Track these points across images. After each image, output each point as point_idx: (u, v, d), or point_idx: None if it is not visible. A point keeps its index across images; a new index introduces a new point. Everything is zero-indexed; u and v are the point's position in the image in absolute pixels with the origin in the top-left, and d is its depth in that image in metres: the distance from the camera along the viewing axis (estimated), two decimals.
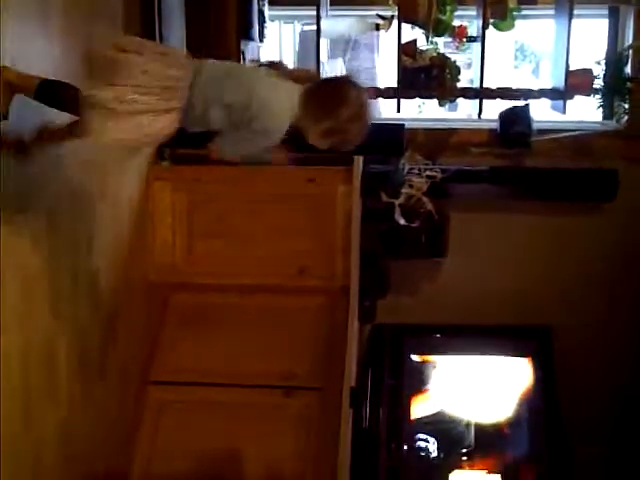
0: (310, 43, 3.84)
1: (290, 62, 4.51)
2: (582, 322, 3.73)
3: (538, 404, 3.58)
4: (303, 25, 4.49)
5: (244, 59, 3.62)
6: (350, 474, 2.90)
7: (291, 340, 3.27)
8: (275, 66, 2.28)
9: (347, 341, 3.10)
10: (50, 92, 2.23)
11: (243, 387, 3.16)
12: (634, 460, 3.63)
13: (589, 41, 4.14)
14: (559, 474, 3.39)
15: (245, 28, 3.59)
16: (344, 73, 4.48)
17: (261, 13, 3.67)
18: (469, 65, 5.01)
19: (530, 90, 3.53)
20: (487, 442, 3.57)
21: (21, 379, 2.33)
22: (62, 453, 2.57)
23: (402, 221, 3.43)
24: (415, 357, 3.69)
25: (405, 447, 3.48)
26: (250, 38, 3.61)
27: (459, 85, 3.62)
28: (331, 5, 3.79)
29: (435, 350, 3.76)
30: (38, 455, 2.43)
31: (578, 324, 3.72)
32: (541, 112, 3.73)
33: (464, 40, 3.63)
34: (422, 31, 3.55)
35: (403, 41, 3.46)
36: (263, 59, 2.92)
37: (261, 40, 3.68)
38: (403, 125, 3.59)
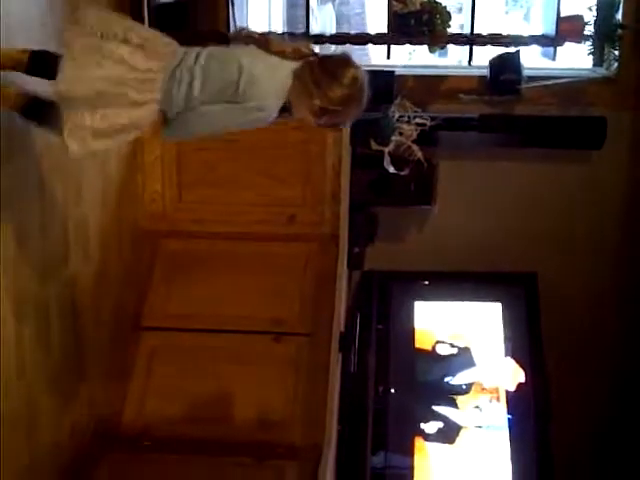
0: None
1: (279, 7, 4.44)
2: (567, 268, 3.79)
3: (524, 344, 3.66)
4: None
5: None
6: (338, 417, 2.97)
7: (280, 286, 3.30)
8: (264, 40, 2.15)
9: (336, 287, 3.13)
10: (43, 63, 2.13)
11: (233, 332, 3.20)
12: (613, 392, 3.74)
13: None
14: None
15: None
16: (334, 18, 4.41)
17: None
18: (460, 10, 4.95)
19: (520, 36, 3.50)
20: None
21: (14, 327, 2.35)
22: (55, 399, 2.61)
23: (391, 169, 3.44)
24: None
25: (392, 390, 3.56)
26: None
27: (450, 31, 3.59)
28: None
29: (422, 296, 3.81)
30: (32, 400, 2.47)
31: (563, 270, 3.78)
32: (531, 59, 3.72)
33: None
34: None
35: None
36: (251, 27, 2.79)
37: None
38: (393, 72, 3.57)
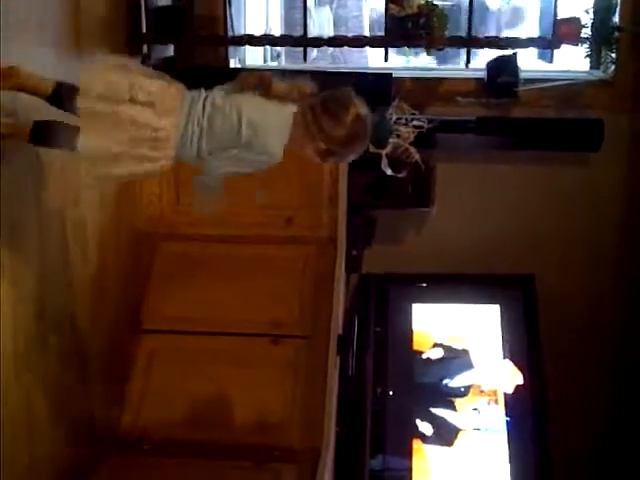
0: None
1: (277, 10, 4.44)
2: (565, 270, 3.79)
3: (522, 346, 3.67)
4: None
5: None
6: (337, 420, 2.97)
7: (278, 289, 3.30)
8: (265, 82, 2.17)
9: (334, 290, 3.14)
10: (46, 133, 2.24)
11: (232, 335, 3.20)
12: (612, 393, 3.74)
13: None
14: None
15: None
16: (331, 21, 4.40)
17: None
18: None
19: (518, 39, 3.51)
20: None
21: (11, 332, 2.35)
22: (53, 402, 2.61)
23: (389, 171, 3.44)
24: None
25: (391, 392, 3.56)
26: None
27: (447, 33, 3.59)
28: None
29: (420, 299, 3.81)
30: (30, 403, 2.47)
31: (561, 272, 3.78)
32: (528, 61, 3.72)
33: None
34: None
35: None
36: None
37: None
38: (391, 74, 3.57)
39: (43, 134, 2.26)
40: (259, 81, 2.17)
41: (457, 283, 3.80)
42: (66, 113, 2.20)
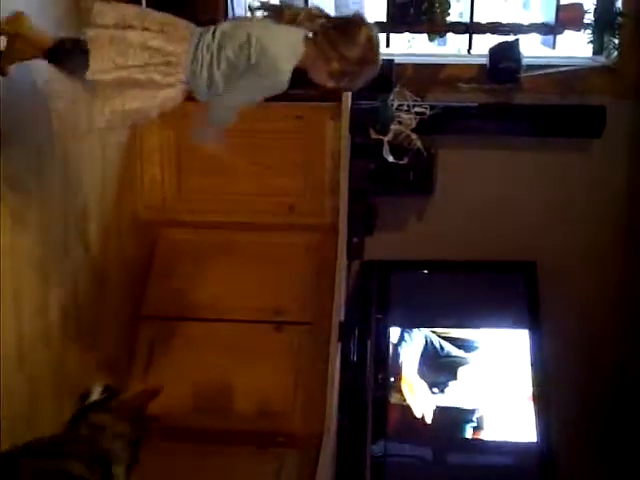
0: None
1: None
2: (566, 257, 3.79)
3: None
4: None
5: None
6: (338, 406, 2.99)
7: (281, 276, 3.32)
8: (276, 11, 2.21)
9: (335, 277, 3.14)
10: (65, 53, 2.20)
11: (234, 322, 3.21)
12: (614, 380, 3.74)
13: None
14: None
15: None
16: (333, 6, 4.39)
17: None
18: None
19: (520, 25, 3.50)
20: None
21: (14, 320, 2.36)
22: (56, 390, 2.62)
23: (390, 158, 3.44)
24: None
25: (392, 379, 3.57)
26: None
27: (449, 19, 3.58)
28: None
29: (421, 287, 3.81)
30: (33, 392, 2.48)
31: (562, 259, 3.78)
32: (531, 47, 3.71)
33: None
34: None
35: None
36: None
37: None
38: (392, 61, 3.55)
39: (60, 53, 2.22)
40: (272, 11, 2.20)
41: (458, 270, 3.80)
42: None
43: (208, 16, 3.47)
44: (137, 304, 3.27)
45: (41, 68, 2.44)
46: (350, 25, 2.16)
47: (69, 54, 2.18)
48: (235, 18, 2.28)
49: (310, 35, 2.16)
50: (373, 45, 2.15)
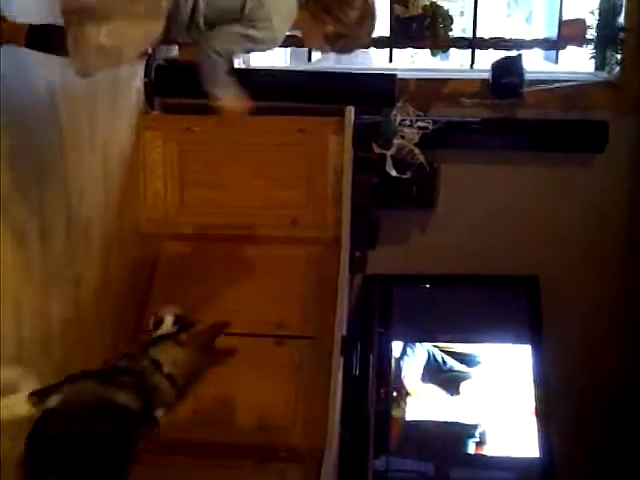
0: None
1: None
2: (569, 271, 3.78)
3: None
4: None
5: None
6: (341, 421, 2.97)
7: (283, 290, 3.31)
8: None
9: (338, 291, 3.14)
10: (41, 36, 2.12)
11: (236, 336, 3.19)
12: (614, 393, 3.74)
13: None
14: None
15: None
16: None
17: None
18: (462, 13, 4.96)
19: (523, 40, 3.51)
20: None
21: (15, 330, 2.35)
22: None
23: (393, 172, 3.45)
24: None
25: (394, 394, 3.56)
26: None
27: (452, 34, 3.59)
28: None
29: (423, 301, 3.80)
30: None
31: (564, 274, 3.78)
32: (534, 62, 3.72)
33: None
34: None
35: None
36: None
37: None
38: (395, 75, 3.56)
39: (38, 37, 2.12)
40: None
41: (461, 284, 3.79)
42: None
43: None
44: (139, 316, 3.26)
45: (43, 79, 2.45)
46: None
47: (45, 34, 2.08)
48: None
49: None
50: (369, 6, 2.11)
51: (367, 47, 3.30)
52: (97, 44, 1.93)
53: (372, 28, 2.16)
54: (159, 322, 2.11)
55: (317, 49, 2.22)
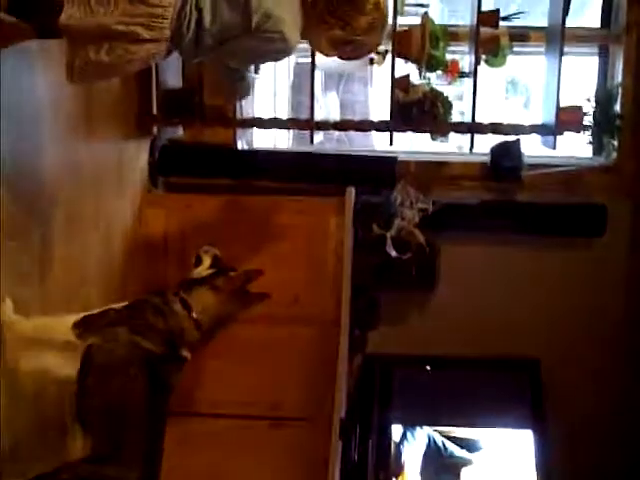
0: (305, 76, 3.89)
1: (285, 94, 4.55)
2: (569, 354, 3.75)
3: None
4: (298, 57, 4.54)
5: None
6: None
7: (281, 370, 3.27)
8: None
9: (337, 371, 3.10)
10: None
11: (230, 418, 3.15)
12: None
13: (579, 78, 4.20)
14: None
15: None
16: (338, 105, 4.50)
17: None
18: (460, 97, 5.06)
19: (521, 126, 3.57)
20: None
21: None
22: None
23: (393, 253, 3.46)
24: None
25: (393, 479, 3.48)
26: None
27: (451, 118, 3.66)
28: None
29: (423, 385, 3.75)
30: None
31: (565, 357, 3.74)
32: (531, 146, 3.78)
33: (456, 75, 3.68)
34: (415, 66, 3.60)
35: (396, 75, 3.51)
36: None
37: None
38: (396, 158, 3.63)
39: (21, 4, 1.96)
40: None
41: (461, 367, 3.75)
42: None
43: (217, 115, 3.58)
44: None
45: (50, 154, 2.49)
46: None
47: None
48: None
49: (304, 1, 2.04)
50: (381, 13, 2.04)
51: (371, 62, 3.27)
52: (97, 60, 1.92)
53: (382, 37, 2.09)
54: (198, 261, 2.29)
55: (323, 54, 2.12)
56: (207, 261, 2.32)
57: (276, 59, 2.16)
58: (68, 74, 1.96)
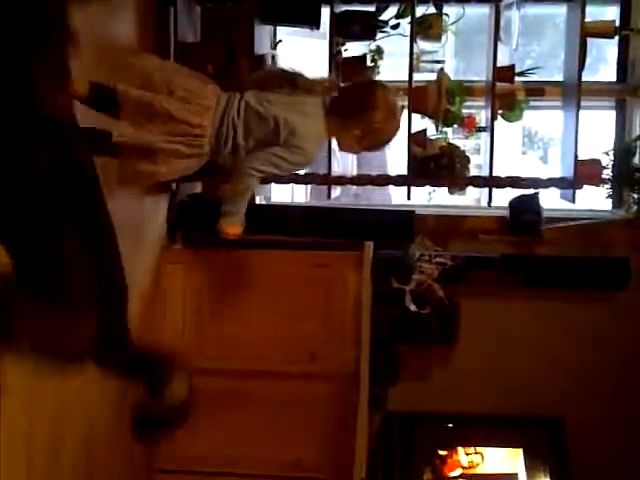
0: None
1: None
2: (594, 412, 3.66)
3: None
4: None
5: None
6: None
7: (299, 428, 3.22)
8: (297, 80, 2.33)
9: (357, 429, 3.04)
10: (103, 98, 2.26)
11: (248, 477, 3.09)
12: None
13: (596, 131, 4.20)
14: None
15: None
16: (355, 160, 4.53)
17: None
18: (477, 150, 5.08)
19: (540, 179, 3.57)
20: None
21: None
22: None
23: (413, 307, 3.43)
24: None
25: None
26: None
27: (469, 172, 3.66)
28: None
29: (447, 443, 3.66)
30: None
31: (590, 413, 3.65)
32: (550, 200, 3.76)
33: (473, 130, 3.69)
34: (432, 121, 3.62)
35: (413, 131, 3.53)
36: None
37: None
38: (413, 212, 3.62)
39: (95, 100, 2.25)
40: (285, 79, 2.34)
41: (483, 424, 3.67)
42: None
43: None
44: (150, 456, 3.17)
45: None
46: (363, 92, 2.31)
47: (102, 101, 2.24)
48: (256, 77, 2.51)
49: (325, 110, 2.30)
50: (390, 105, 2.28)
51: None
52: (140, 170, 2.23)
53: (398, 124, 2.33)
54: None
55: (349, 152, 2.49)
56: None
57: (295, 169, 2.52)
58: (120, 181, 2.26)
